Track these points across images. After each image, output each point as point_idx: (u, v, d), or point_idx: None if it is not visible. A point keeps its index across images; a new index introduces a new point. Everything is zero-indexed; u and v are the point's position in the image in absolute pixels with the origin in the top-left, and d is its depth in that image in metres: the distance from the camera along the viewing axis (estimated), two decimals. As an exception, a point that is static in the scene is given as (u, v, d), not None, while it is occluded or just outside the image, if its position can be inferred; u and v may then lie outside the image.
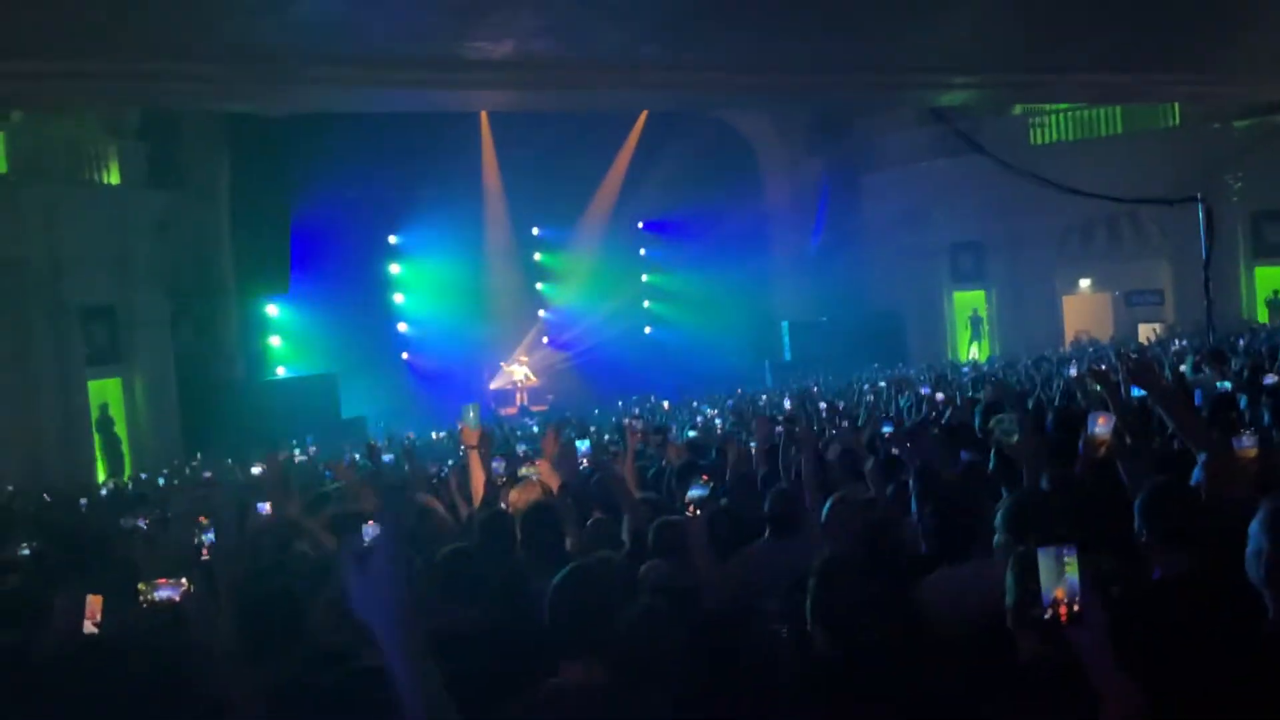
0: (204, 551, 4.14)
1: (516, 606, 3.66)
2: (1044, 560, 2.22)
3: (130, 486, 13.87)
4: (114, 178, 19.76)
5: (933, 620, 3.10)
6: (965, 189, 23.71)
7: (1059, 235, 24.19)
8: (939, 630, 2.96)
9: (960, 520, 3.57)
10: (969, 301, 26.15)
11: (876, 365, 21.23)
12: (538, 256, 28.59)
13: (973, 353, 24.92)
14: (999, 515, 3.22)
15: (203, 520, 4.46)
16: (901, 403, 9.76)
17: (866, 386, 14.07)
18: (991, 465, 4.78)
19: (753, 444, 7.44)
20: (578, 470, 5.78)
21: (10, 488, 13.92)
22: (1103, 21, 6.17)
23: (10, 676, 2.85)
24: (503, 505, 4.97)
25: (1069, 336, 24.06)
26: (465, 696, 2.76)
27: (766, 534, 4.48)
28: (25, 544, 5.59)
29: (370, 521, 4.25)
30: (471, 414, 5.40)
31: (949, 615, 3.07)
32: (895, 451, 5.51)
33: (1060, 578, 2.21)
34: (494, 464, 5.84)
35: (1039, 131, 24.34)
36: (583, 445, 6.80)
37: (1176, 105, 21.82)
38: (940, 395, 8.33)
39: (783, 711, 2.58)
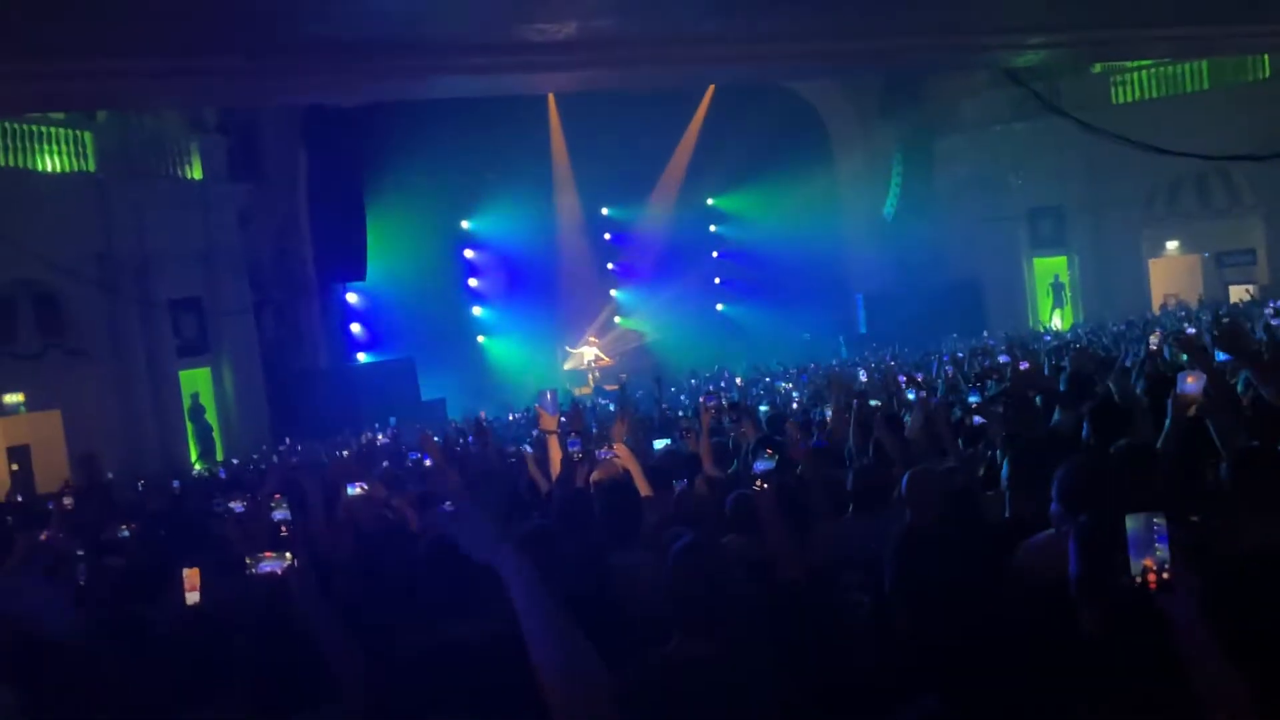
0: (282, 529, 4.27)
1: (596, 581, 3.72)
2: (1133, 527, 2.18)
3: (221, 471, 14.33)
4: (196, 172, 20.35)
5: (1020, 588, 3.05)
6: (1044, 152, 23.06)
7: (1144, 196, 23.40)
8: (1025, 598, 2.92)
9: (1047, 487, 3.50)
10: (1050, 268, 25.48)
11: (955, 335, 20.84)
12: (608, 236, 28.66)
13: (1055, 320, 24.30)
14: (1054, 484, 3.14)
15: (276, 498, 4.60)
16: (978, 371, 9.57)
17: (946, 357, 13.82)
18: (1085, 432, 4.66)
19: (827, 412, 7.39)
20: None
21: (110, 475, 14.50)
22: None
23: (126, 649, 2.99)
24: (580, 484, 5.04)
25: (1156, 301, 23.32)
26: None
27: (850, 509, 4.45)
28: (125, 526, 5.82)
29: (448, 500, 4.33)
30: (549, 399, 5.46)
31: (1037, 583, 3.02)
32: (979, 420, 5.42)
33: (1150, 545, 2.16)
34: (571, 443, 5.91)
35: (1121, 90, 23.54)
36: (660, 444, 6.82)
37: (1266, 57, 20.89)
38: (1025, 364, 8.15)
39: (859, 680, 2.58)
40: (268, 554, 3.15)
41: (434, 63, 6.03)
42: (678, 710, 2.45)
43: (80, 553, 5.39)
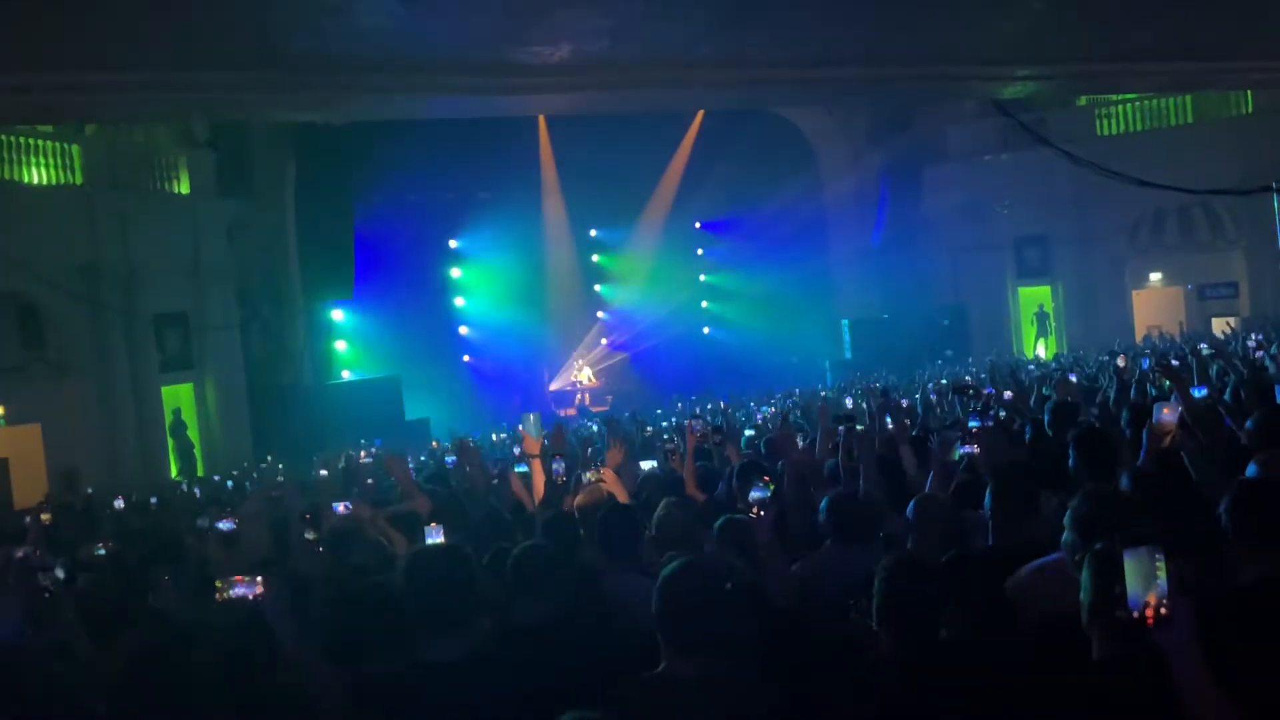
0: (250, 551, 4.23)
1: (590, 602, 3.70)
2: (1132, 561, 2.17)
3: (198, 489, 14.20)
4: (184, 187, 20.29)
5: (1011, 617, 3.04)
6: (1030, 182, 23.27)
7: (1128, 228, 23.63)
8: (1017, 627, 2.90)
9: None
10: (1035, 297, 25.65)
11: (940, 362, 20.92)
12: (596, 258, 28.71)
13: (1039, 349, 24.44)
14: (1068, 513, 3.16)
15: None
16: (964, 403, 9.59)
17: (930, 385, 13.87)
18: (1071, 461, 4.66)
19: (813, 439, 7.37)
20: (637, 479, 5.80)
21: (89, 490, 14.34)
22: (1170, 7, 6.01)
23: (90, 671, 2.93)
24: (565, 507, 5.02)
25: (1140, 332, 23.48)
26: (543, 686, 2.80)
27: (828, 542, 4.39)
28: (101, 544, 5.75)
29: (431, 524, 4.30)
30: (532, 421, 5.45)
31: (1027, 613, 3.01)
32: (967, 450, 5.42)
33: (1150, 579, 2.16)
34: (555, 465, 5.88)
35: (1106, 122, 23.80)
36: (646, 465, 6.80)
37: (1249, 93, 21.18)
38: (1009, 394, 8.17)
39: (848, 705, 2.56)
40: (239, 577, 3.12)
41: (427, 82, 6.04)
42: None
43: (58, 570, 5.32)
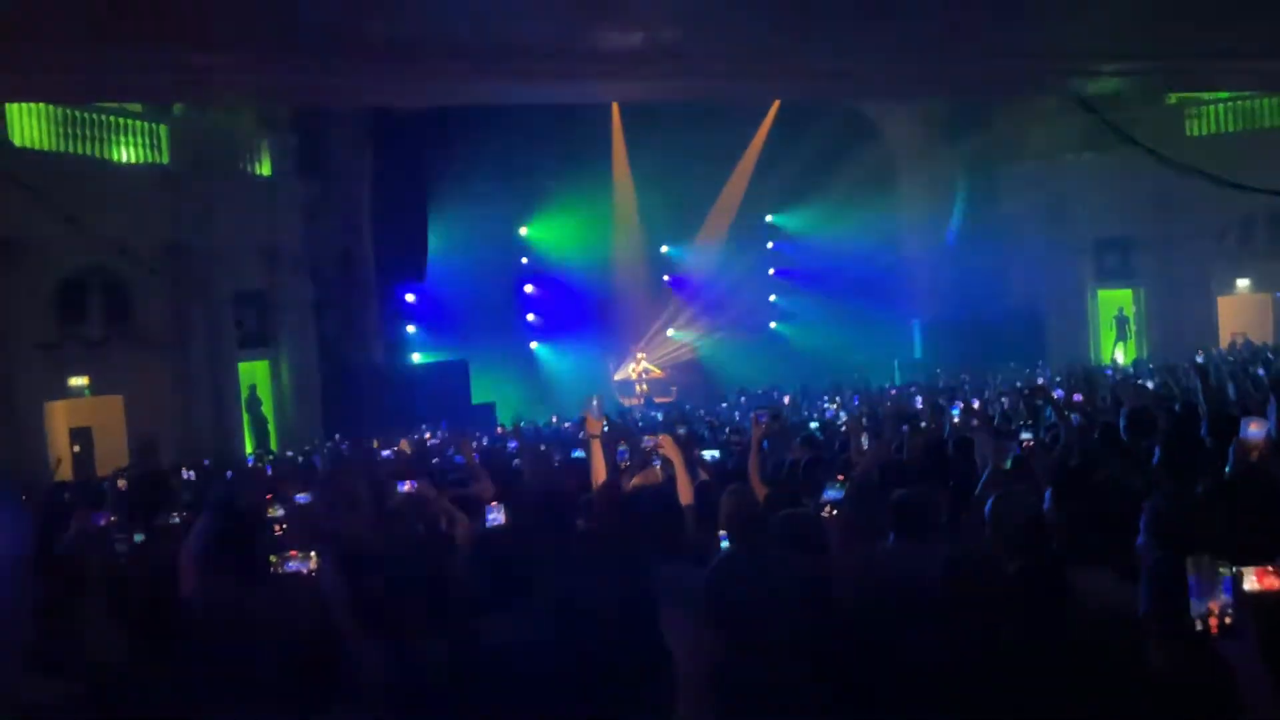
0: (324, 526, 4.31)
1: (641, 588, 3.70)
2: (1196, 570, 2.15)
3: (269, 465, 14.53)
4: (265, 169, 20.77)
5: (1077, 621, 2.97)
6: (1113, 182, 22.61)
7: (1216, 232, 22.84)
8: (1082, 632, 2.84)
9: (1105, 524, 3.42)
10: (1115, 301, 24.97)
11: (1013, 365, 20.49)
12: (665, 249, 28.69)
13: (1117, 355, 23.79)
14: (1143, 519, 3.08)
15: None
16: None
17: (1003, 387, 13.61)
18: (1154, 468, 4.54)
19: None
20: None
21: (170, 461, 14.78)
22: (1267, 2, 5.79)
23: (162, 637, 3.02)
24: (624, 490, 5.03)
25: (1224, 339, 22.71)
26: (591, 671, 2.81)
27: (891, 537, 4.36)
28: (176, 513, 5.92)
29: (493, 503, 4.34)
30: (595, 404, 5.48)
31: (1091, 618, 2.94)
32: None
33: (1213, 588, 2.14)
34: (619, 453, 5.90)
35: (1195, 122, 23.03)
36: (709, 455, 6.81)
37: (1352, 93, 20.33)
38: (1078, 396, 7.99)
39: (916, 706, 2.52)
40: (294, 553, 3.18)
41: (499, 67, 6.10)
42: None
43: (136, 536, 5.50)
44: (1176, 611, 2.23)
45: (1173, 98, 22.21)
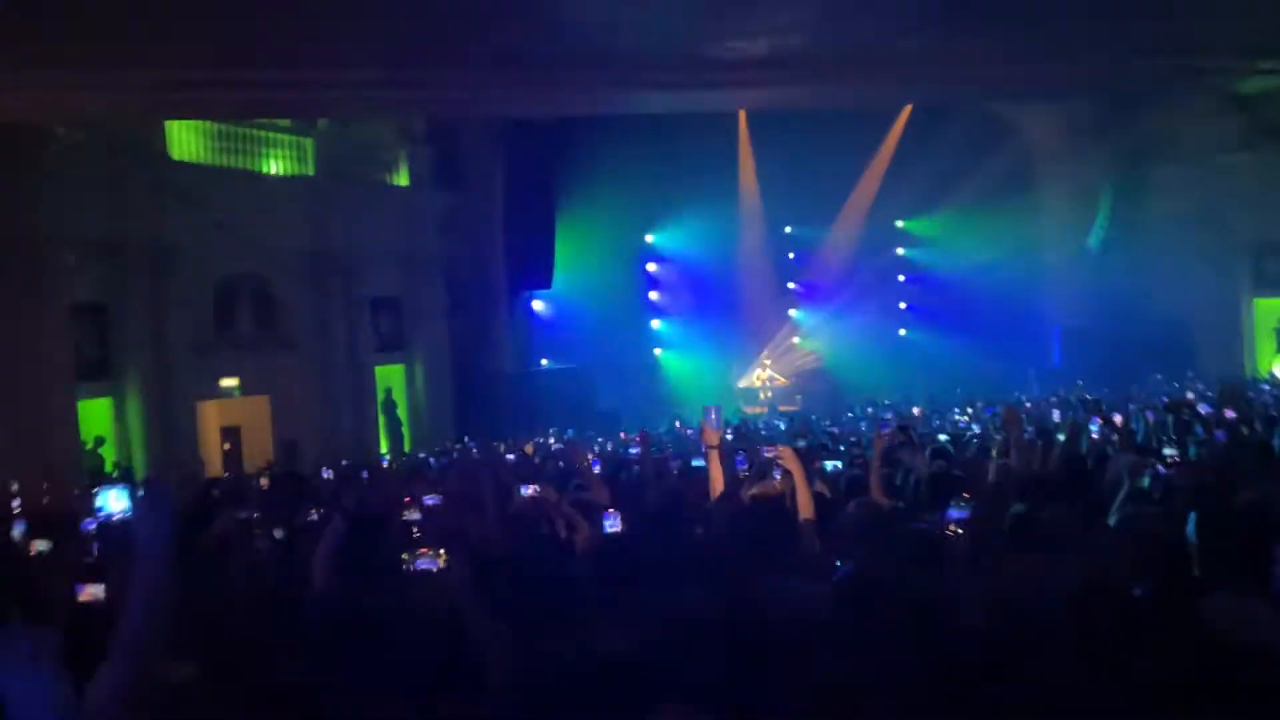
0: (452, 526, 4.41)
1: (748, 600, 3.66)
2: None
3: (403, 465, 15.01)
4: (403, 179, 21.54)
5: (1213, 649, 2.80)
6: (1273, 184, 21.23)
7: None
8: (1217, 662, 2.67)
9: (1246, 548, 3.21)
10: (1274, 310, 23.40)
11: (1159, 377, 19.48)
12: (792, 255, 28.39)
13: (1276, 369, 22.28)
14: None
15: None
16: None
17: (1148, 400, 12.94)
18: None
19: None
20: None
21: (315, 461, 15.43)
22: None
23: (279, 631, 3.15)
24: (743, 500, 5.00)
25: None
26: (699, 683, 2.80)
27: (1015, 554, 4.20)
28: (315, 511, 6.16)
29: (610, 510, 4.38)
30: (713, 415, 5.46)
31: (1230, 648, 2.76)
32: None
33: None
34: (738, 461, 5.87)
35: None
36: (830, 466, 6.69)
37: None
38: (1231, 413, 7.53)
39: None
40: (424, 550, 3.26)
41: (627, 77, 6.16)
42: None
43: (276, 533, 5.76)
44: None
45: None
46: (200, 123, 17.72)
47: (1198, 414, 6.98)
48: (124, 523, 3.05)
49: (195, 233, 16.76)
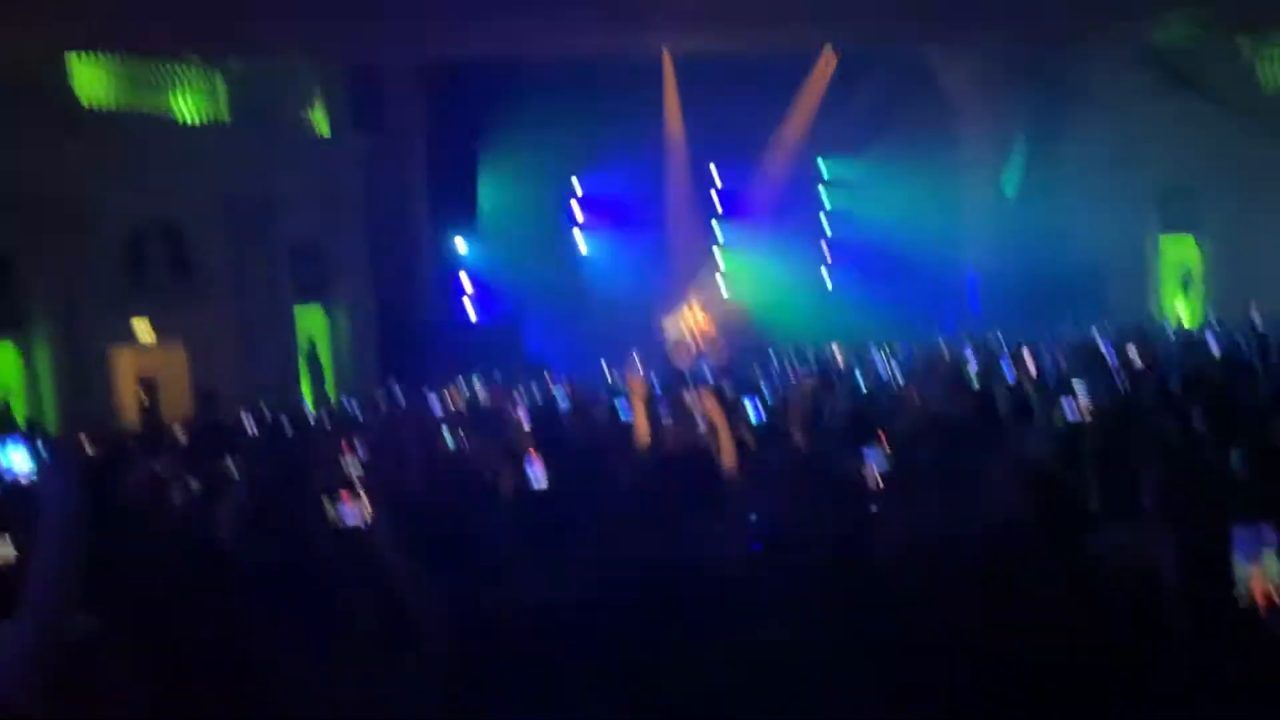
0: (376, 476, 4.40)
1: (673, 547, 3.74)
2: (1240, 539, 2.09)
3: (327, 415, 14.83)
4: (321, 121, 20.97)
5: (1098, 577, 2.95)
6: (1180, 129, 21.85)
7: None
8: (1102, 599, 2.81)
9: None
10: (1179, 250, 24.23)
11: (1072, 319, 20.07)
12: (716, 196, 28.44)
13: (1181, 310, 23.15)
14: (1181, 484, 3.02)
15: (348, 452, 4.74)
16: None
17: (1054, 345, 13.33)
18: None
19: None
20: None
21: (230, 411, 15.15)
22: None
23: (194, 584, 3.12)
24: (666, 448, 5.07)
25: (1295, 293, 21.99)
26: (630, 631, 2.86)
27: (926, 490, 4.37)
28: (234, 463, 6.08)
29: (533, 457, 4.41)
30: (637, 363, 5.51)
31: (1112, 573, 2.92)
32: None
33: (1257, 558, 2.08)
34: (660, 409, 5.94)
35: (1271, 68, 22.11)
36: (752, 410, 6.80)
37: None
38: (1137, 357, 7.82)
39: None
40: (345, 496, 3.26)
41: (550, 18, 6.07)
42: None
43: (192, 484, 5.67)
44: (1217, 582, 2.19)
45: (1245, 44, 21.34)
46: (106, 64, 16.97)
47: (1101, 356, 7.23)
48: (29, 482, 2.98)
49: (103, 178, 16.11)
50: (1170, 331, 15.64)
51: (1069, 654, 2.50)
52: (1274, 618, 2.08)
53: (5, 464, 3.54)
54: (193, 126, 18.59)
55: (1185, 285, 24.04)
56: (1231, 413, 4.25)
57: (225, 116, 19.07)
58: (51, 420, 15.72)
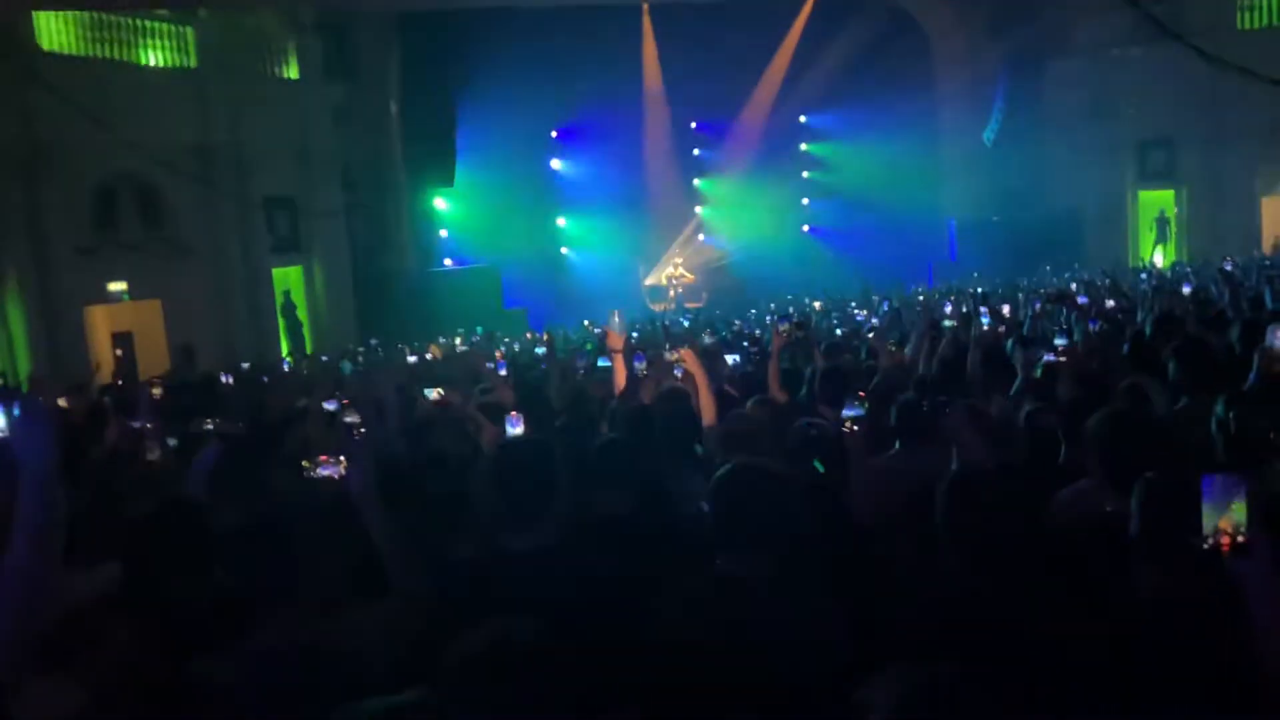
0: (355, 433, 4.39)
1: (657, 497, 3.77)
2: (1209, 488, 2.10)
3: (304, 369, 14.76)
4: (293, 72, 20.60)
5: (1062, 540, 3.00)
6: (1160, 79, 21.82)
7: (1265, 132, 22.01)
8: (1065, 548, 2.86)
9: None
10: (1156, 202, 24.36)
11: (1049, 268, 20.18)
12: (696, 151, 28.27)
13: (1156, 257, 23.32)
14: (1108, 438, 3.06)
15: (345, 403, 4.71)
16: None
17: (1031, 293, 13.41)
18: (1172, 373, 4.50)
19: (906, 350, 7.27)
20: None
21: (212, 367, 15.04)
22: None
23: (191, 539, 3.12)
24: (644, 400, 5.07)
25: (1267, 242, 22.18)
26: (612, 579, 2.89)
27: (897, 445, 4.42)
28: (210, 420, 6.04)
29: (513, 413, 4.41)
30: (616, 318, 5.49)
31: (1076, 536, 2.97)
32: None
33: (1225, 506, 2.09)
34: (637, 360, 5.94)
35: (1249, 15, 22.07)
36: (732, 363, 6.81)
37: None
38: (1112, 303, 7.88)
39: (917, 625, 2.57)
40: (325, 456, 3.25)
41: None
42: (719, 629, 2.47)
43: (170, 441, 5.64)
44: (1179, 530, 2.20)
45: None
46: (72, 12, 16.58)
47: (1077, 304, 7.27)
48: (2, 439, 2.95)
49: (69, 129, 15.79)
50: (1144, 277, 15.73)
51: (1035, 598, 2.55)
52: (1237, 566, 2.10)
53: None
54: (161, 75, 18.23)
55: (1161, 233, 24.18)
56: (1203, 355, 4.30)
57: (194, 65, 18.70)
58: (25, 375, 15.59)
